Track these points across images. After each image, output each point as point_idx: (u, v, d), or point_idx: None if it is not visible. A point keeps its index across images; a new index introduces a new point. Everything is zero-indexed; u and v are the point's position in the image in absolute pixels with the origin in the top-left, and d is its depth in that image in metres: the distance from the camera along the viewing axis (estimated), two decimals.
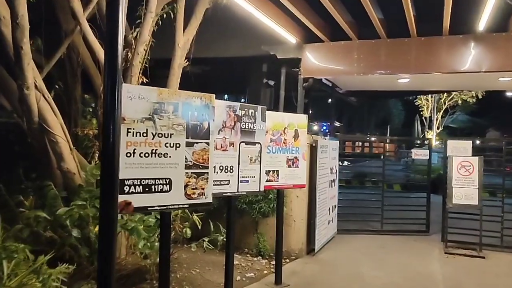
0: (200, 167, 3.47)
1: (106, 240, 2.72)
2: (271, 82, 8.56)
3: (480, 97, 21.00)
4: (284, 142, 5.20)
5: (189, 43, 5.87)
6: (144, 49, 5.43)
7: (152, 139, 3.19)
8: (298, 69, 6.57)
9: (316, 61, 6.38)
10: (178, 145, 3.32)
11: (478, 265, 6.49)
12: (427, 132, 23.37)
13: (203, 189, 3.49)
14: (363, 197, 9.09)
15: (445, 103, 22.81)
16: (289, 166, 5.26)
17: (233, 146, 4.23)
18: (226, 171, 4.18)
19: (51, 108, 4.70)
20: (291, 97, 7.97)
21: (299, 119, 5.37)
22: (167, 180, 3.27)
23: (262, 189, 4.57)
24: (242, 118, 4.33)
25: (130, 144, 3.09)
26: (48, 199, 4.73)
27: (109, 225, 2.70)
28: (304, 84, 6.62)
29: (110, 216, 2.70)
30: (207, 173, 3.53)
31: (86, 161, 5.42)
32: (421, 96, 22.61)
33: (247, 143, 4.36)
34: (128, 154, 3.09)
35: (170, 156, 3.28)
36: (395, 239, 7.97)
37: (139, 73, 5.47)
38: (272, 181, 5.09)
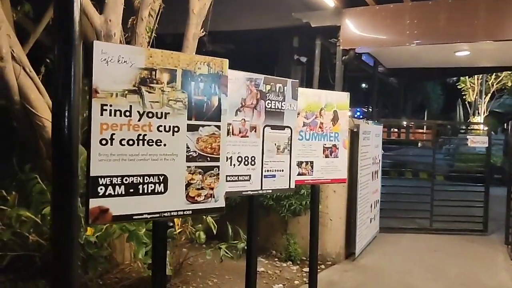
0: (208, 159, 2.53)
1: (60, 268, 1.84)
2: (303, 59, 7.50)
3: None
4: (320, 127, 4.20)
5: (205, 9, 4.91)
6: (151, 15, 4.52)
7: (139, 120, 2.27)
8: (336, 40, 5.52)
9: (359, 29, 5.30)
10: (176, 129, 2.39)
11: None
12: (472, 117, 21.65)
13: (211, 189, 2.55)
14: (406, 190, 8.01)
15: (492, 86, 21.02)
16: (326, 156, 4.26)
17: (255, 131, 3.27)
18: (246, 163, 3.23)
19: (35, 84, 3.86)
20: (326, 78, 6.92)
21: (339, 98, 4.34)
22: (161, 178, 2.35)
23: (292, 185, 3.59)
24: (267, 95, 3.35)
25: (106, 127, 2.18)
26: (34, 195, 3.94)
27: (64, 247, 1.82)
28: (343, 58, 5.57)
29: (65, 233, 1.81)
30: (218, 167, 2.58)
31: (85, 150, 4.59)
32: (466, 78, 20.88)
33: (273, 127, 3.39)
34: (104, 142, 2.18)
35: (165, 144, 2.36)
36: (447, 239, 6.87)
37: (148, 45, 4.59)
38: (305, 174, 4.10)
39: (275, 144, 3.41)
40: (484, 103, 21.52)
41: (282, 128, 3.45)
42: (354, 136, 5.45)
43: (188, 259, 4.54)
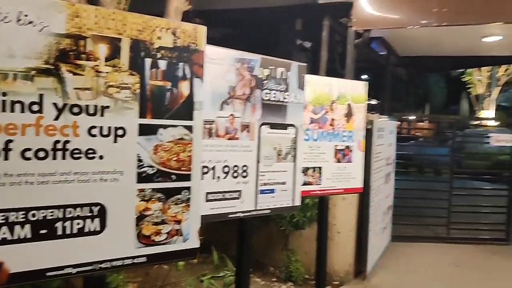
0: (173, 177, 1.67)
1: None
2: (307, 44, 6.61)
3: None
4: (331, 124, 3.35)
5: None
6: None
7: (56, 118, 1.41)
8: (348, 20, 4.64)
9: (376, 7, 4.41)
10: (120, 132, 1.54)
11: None
12: (480, 111, 20.78)
13: (178, 222, 1.69)
14: (421, 193, 7.16)
15: (500, 79, 20.10)
16: (338, 161, 3.42)
17: (247, 132, 2.41)
18: (235, 174, 2.37)
19: None
20: (333, 67, 6.04)
21: (355, 89, 3.48)
22: (95, 209, 1.50)
23: (297, 202, 2.73)
24: (265, 82, 2.48)
25: None
26: None
27: None
28: (356, 41, 4.69)
29: None
30: (189, 188, 1.73)
31: None
32: (473, 70, 19.97)
33: (273, 125, 2.52)
34: None
35: (101, 157, 1.50)
36: (467, 250, 6.04)
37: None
38: (312, 183, 3.27)
39: (275, 148, 2.55)
40: (494, 96, 20.65)
41: (285, 127, 2.59)
42: (367, 134, 4.57)
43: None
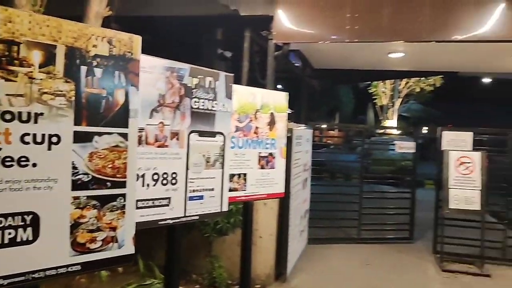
0: (108, 184, 1.68)
1: None
2: (228, 54, 6.76)
3: (437, 85, 20.37)
4: (255, 132, 3.49)
5: None
6: None
7: None
8: (268, 32, 4.85)
9: (294, 22, 4.67)
10: (55, 140, 1.52)
11: None
12: (384, 121, 22.50)
13: (113, 229, 1.70)
14: (333, 197, 7.60)
15: (401, 91, 21.99)
16: (262, 167, 3.57)
17: (177, 139, 2.46)
18: (164, 182, 2.40)
19: None
20: (254, 77, 6.24)
21: (277, 99, 3.67)
22: (28, 218, 1.46)
23: (225, 208, 2.83)
24: (194, 91, 2.55)
25: None
26: None
27: None
28: (275, 53, 4.92)
29: None
30: (124, 195, 1.74)
31: None
32: (378, 82, 21.62)
33: (201, 133, 2.60)
34: None
35: (34, 165, 1.47)
36: (376, 250, 6.53)
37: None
38: (238, 190, 3.38)
39: (204, 155, 2.62)
40: (396, 107, 22.46)
41: (213, 134, 2.67)
42: (287, 142, 4.80)
43: None
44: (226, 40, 6.26)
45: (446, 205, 6.02)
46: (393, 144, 7.94)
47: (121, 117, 1.71)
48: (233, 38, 5.99)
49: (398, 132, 16.32)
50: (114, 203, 1.69)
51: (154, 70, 2.30)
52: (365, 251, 6.38)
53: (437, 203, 6.44)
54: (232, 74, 2.79)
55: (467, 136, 6.25)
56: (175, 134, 2.43)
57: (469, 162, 6.06)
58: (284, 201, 4.94)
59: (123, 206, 1.73)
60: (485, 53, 5.37)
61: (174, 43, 5.99)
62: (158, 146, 2.36)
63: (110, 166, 1.67)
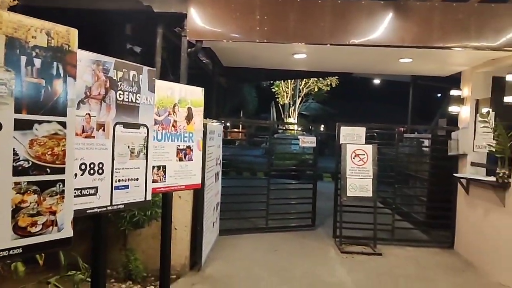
0: (48, 170, 1.75)
1: None
2: (137, 49, 6.74)
3: (334, 85, 21.87)
4: (173, 126, 3.64)
5: None
6: None
7: None
8: (181, 30, 4.97)
9: (206, 21, 4.85)
10: None
11: (382, 265, 5.83)
12: (286, 119, 23.54)
13: (53, 213, 1.77)
14: (242, 190, 7.95)
15: (302, 90, 23.23)
16: (180, 160, 3.72)
17: (103, 130, 2.53)
18: (91, 172, 2.47)
19: None
20: (167, 73, 6.31)
21: (194, 93, 3.84)
22: None
23: (149, 197, 2.94)
24: (119, 84, 2.64)
25: None
26: None
27: None
28: (188, 50, 5.06)
29: None
30: (63, 181, 1.82)
31: None
32: (280, 82, 22.60)
33: (126, 125, 2.69)
34: None
35: None
36: (283, 237, 7.00)
37: None
38: (157, 181, 3.50)
39: (129, 146, 2.73)
40: (297, 106, 23.63)
41: (137, 126, 2.78)
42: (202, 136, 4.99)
43: None
44: (140, 36, 6.25)
45: (344, 193, 6.67)
46: (297, 139, 8.53)
47: (59, 106, 1.78)
48: (147, 34, 6.01)
49: (300, 128, 17.27)
50: (54, 188, 1.76)
51: (80, 63, 2.36)
52: (272, 239, 6.79)
53: (336, 192, 7.07)
54: (154, 69, 2.91)
55: (361, 131, 6.97)
56: (101, 125, 2.51)
57: (363, 154, 6.76)
58: (198, 193, 5.13)
59: (63, 191, 1.80)
60: (376, 57, 6.04)
61: (83, 36, 5.82)
62: (85, 137, 2.42)
63: (49, 153, 1.74)
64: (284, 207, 7.66)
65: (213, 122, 5.68)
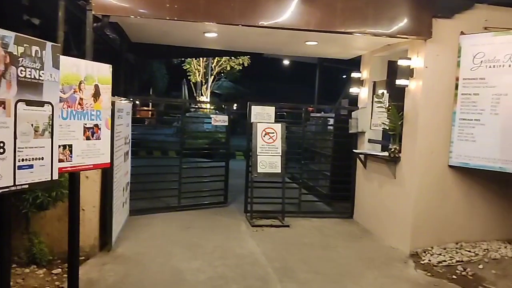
0: None
1: None
2: (36, 21, 6.29)
3: (246, 65, 22.14)
4: (80, 103, 3.53)
5: None
6: None
7: None
8: (86, 2, 4.73)
9: None
10: None
11: (289, 236, 6.22)
12: (199, 97, 23.39)
13: None
14: (154, 169, 7.90)
15: (214, 69, 23.20)
16: (87, 138, 3.63)
17: (3, 108, 2.41)
18: None
19: None
20: (67, 47, 5.98)
21: (101, 70, 3.74)
22: None
23: (55, 176, 2.86)
24: (20, 59, 2.52)
25: None
26: None
27: None
28: (94, 25, 4.84)
29: None
30: None
31: None
32: (192, 60, 22.34)
33: (29, 102, 2.58)
34: None
35: None
36: (195, 214, 7.12)
37: None
38: (64, 161, 3.39)
39: (32, 125, 2.63)
40: (209, 84, 23.57)
41: (41, 104, 2.69)
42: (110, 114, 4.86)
43: None
44: (37, 6, 5.84)
45: (255, 170, 6.92)
46: (209, 118, 8.60)
47: None
48: (44, 4, 5.64)
49: (212, 107, 17.33)
50: None
51: None
52: (185, 217, 6.88)
53: (247, 169, 7.31)
54: (59, 45, 2.81)
55: (271, 110, 7.25)
56: (1, 103, 2.39)
57: (272, 133, 7.05)
58: (107, 173, 5.02)
59: None
60: (284, 39, 6.28)
61: None
62: None
63: None
64: (197, 185, 7.74)
65: (121, 100, 5.54)
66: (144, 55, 12.32)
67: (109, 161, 3.90)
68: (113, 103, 4.89)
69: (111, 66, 3.85)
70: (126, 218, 6.32)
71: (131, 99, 6.66)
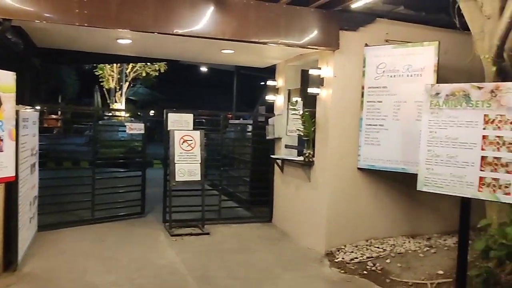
0: None
1: None
2: None
3: (162, 71, 21.71)
4: None
5: None
6: None
7: None
8: None
9: None
10: None
11: (209, 243, 6.22)
12: (113, 104, 22.45)
13: None
14: (64, 181, 7.49)
15: (129, 75, 22.43)
16: None
17: None
18: None
19: None
20: None
21: (3, 78, 3.50)
22: None
23: None
24: None
25: None
26: None
27: None
28: None
29: None
30: None
31: None
32: (105, 65, 21.42)
33: None
34: None
35: None
36: (111, 227, 6.85)
37: None
38: None
39: None
40: (124, 91, 22.78)
41: None
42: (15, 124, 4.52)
43: None
44: None
45: (173, 178, 6.83)
46: (124, 126, 8.31)
47: None
48: None
49: (127, 114, 16.77)
50: None
51: None
52: (99, 230, 6.59)
53: (165, 177, 7.19)
54: None
55: (189, 117, 7.21)
56: None
57: (190, 140, 7.01)
58: (11, 187, 4.66)
59: None
60: (200, 47, 6.30)
61: None
62: None
63: None
64: (112, 196, 7.44)
65: (26, 109, 5.19)
66: (51, 60, 11.63)
67: (13, 174, 3.65)
68: (17, 113, 4.59)
69: (15, 73, 3.61)
70: (34, 234, 5.92)
71: (38, 108, 6.26)
